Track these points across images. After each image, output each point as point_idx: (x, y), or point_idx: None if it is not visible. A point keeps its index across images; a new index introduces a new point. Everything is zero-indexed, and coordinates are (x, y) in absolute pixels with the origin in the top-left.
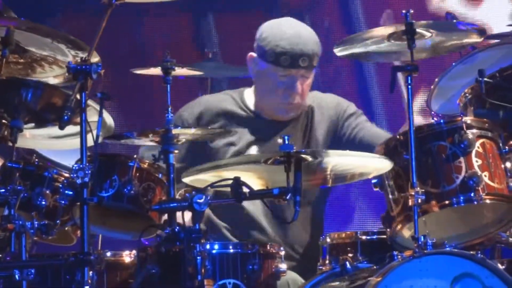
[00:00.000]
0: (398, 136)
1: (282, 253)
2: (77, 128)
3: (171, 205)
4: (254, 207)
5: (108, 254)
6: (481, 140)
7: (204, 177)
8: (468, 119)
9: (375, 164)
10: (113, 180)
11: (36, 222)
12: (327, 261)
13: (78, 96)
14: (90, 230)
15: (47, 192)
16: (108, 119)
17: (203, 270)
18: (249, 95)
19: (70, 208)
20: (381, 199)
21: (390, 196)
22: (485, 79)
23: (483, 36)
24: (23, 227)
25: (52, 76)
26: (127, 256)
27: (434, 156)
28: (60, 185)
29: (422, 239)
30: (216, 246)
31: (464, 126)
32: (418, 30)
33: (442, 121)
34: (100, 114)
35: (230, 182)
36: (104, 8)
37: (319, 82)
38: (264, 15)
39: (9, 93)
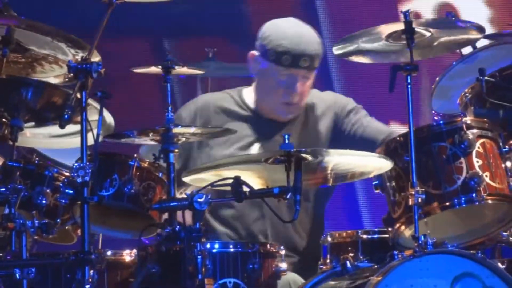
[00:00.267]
0: (398, 138)
1: (283, 252)
2: (77, 127)
3: (171, 204)
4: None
5: (109, 253)
6: (481, 140)
7: (204, 177)
8: (468, 119)
9: (376, 164)
10: (113, 179)
11: (36, 221)
12: (328, 260)
13: (78, 95)
14: (91, 229)
15: (48, 191)
16: (108, 117)
17: (203, 269)
18: (248, 94)
19: (70, 207)
20: (382, 198)
21: (392, 198)
22: (486, 78)
23: (482, 34)
24: (23, 226)
25: (53, 76)
26: (128, 255)
27: (435, 157)
28: (61, 184)
29: (423, 239)
30: (216, 245)
31: (464, 127)
32: (417, 29)
33: (442, 121)
34: (101, 113)
35: (230, 181)
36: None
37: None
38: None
39: (9, 92)
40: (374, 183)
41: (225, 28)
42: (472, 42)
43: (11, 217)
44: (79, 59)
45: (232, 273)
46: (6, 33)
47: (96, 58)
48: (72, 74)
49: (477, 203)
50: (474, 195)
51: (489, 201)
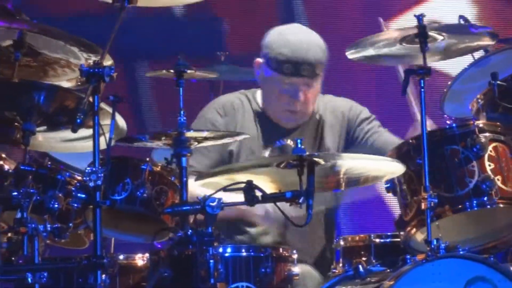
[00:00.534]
0: (410, 140)
1: (295, 256)
2: (90, 131)
3: (184, 208)
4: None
5: (121, 257)
6: (493, 144)
7: (217, 180)
8: (481, 122)
9: (388, 168)
10: (126, 183)
11: (48, 225)
12: (340, 264)
13: (90, 99)
14: (103, 233)
15: (60, 195)
16: (121, 121)
17: (215, 273)
18: (260, 96)
19: (82, 211)
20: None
21: (403, 201)
22: (499, 82)
23: (495, 39)
24: (35, 230)
25: (65, 80)
26: (140, 259)
27: (447, 161)
28: (73, 188)
29: (435, 243)
30: (228, 249)
31: (477, 130)
32: (430, 33)
33: (454, 125)
34: (113, 117)
35: (243, 185)
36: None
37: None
38: None
39: (21, 96)
40: (386, 186)
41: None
42: (483, 48)
43: (23, 221)
44: (92, 63)
45: (245, 277)
46: (18, 37)
47: (108, 62)
48: (84, 78)
49: (488, 206)
50: (486, 198)
51: (501, 205)
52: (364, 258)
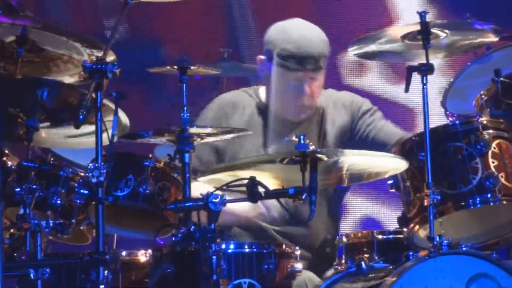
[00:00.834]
0: (413, 137)
1: (298, 252)
2: (93, 127)
3: (187, 204)
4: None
5: (123, 253)
6: (497, 141)
7: (220, 177)
8: (484, 119)
9: (392, 164)
10: (128, 179)
11: (51, 221)
12: (343, 261)
13: (93, 95)
14: (105, 230)
15: (63, 191)
16: (124, 118)
17: (218, 270)
18: (263, 93)
19: (85, 207)
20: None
21: (406, 198)
22: (502, 79)
23: (498, 36)
24: (38, 226)
25: (68, 75)
26: (142, 256)
27: (450, 157)
28: (76, 184)
29: (438, 239)
30: (231, 246)
31: (480, 127)
32: (433, 30)
33: (457, 122)
34: (116, 113)
35: (245, 181)
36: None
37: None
38: None
39: (25, 92)
40: (389, 182)
41: None
42: (487, 44)
43: (26, 217)
44: (94, 59)
45: (247, 273)
46: (21, 33)
47: (111, 57)
48: (87, 74)
49: (492, 203)
50: (489, 195)
51: (504, 202)
52: (366, 255)
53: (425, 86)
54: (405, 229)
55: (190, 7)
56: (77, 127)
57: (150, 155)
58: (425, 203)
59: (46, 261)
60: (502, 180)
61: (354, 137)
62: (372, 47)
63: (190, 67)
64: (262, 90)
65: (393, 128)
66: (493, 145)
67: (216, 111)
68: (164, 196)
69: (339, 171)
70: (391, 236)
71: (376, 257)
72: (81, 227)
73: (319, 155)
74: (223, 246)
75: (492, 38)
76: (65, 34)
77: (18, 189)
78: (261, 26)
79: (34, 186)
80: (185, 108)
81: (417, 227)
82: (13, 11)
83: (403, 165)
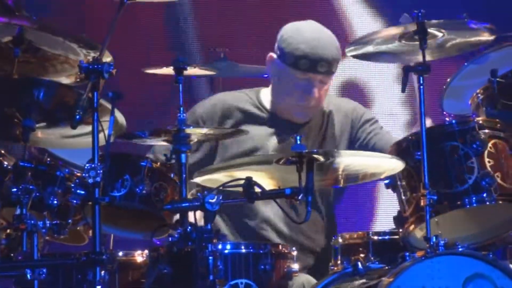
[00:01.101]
0: (410, 137)
1: (294, 253)
2: (89, 128)
3: (183, 204)
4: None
5: (120, 253)
6: (493, 141)
7: (216, 177)
8: (480, 119)
9: (388, 164)
10: (125, 179)
11: (48, 222)
12: (339, 262)
13: (90, 96)
14: (102, 230)
15: (59, 191)
16: (120, 118)
17: (215, 270)
18: (265, 95)
19: (82, 208)
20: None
21: (403, 197)
22: (498, 79)
23: (494, 35)
24: (35, 227)
25: (64, 76)
26: (139, 256)
27: (446, 157)
28: (72, 185)
29: (434, 240)
30: (228, 246)
31: (476, 127)
32: (429, 30)
33: (454, 121)
34: (112, 114)
35: (242, 182)
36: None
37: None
38: None
39: (21, 92)
40: (385, 182)
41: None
42: (483, 44)
43: (22, 217)
44: (91, 59)
45: (244, 274)
46: (17, 33)
47: (107, 58)
48: (83, 75)
49: (488, 203)
50: (485, 195)
51: (500, 202)
52: (362, 255)
53: (421, 86)
54: (401, 229)
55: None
56: (74, 127)
57: (147, 155)
58: (422, 203)
59: (42, 261)
60: (498, 179)
61: (354, 144)
62: (369, 48)
63: (186, 68)
64: (263, 92)
65: (393, 138)
66: (489, 144)
67: (207, 109)
68: (161, 196)
69: (335, 171)
70: (386, 237)
71: (372, 258)
72: (78, 228)
73: (315, 156)
74: (220, 247)
75: (487, 37)
76: (61, 35)
77: (15, 190)
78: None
79: (31, 187)
80: (181, 109)
81: (413, 226)
82: (9, 11)
83: (399, 165)
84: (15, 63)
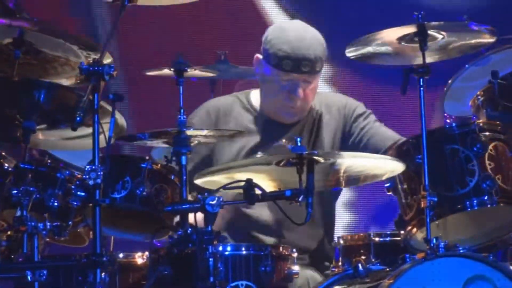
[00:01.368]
0: (410, 140)
1: (295, 255)
2: (90, 130)
3: (183, 206)
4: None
5: (121, 255)
6: (494, 143)
7: (216, 179)
8: (481, 121)
9: (388, 166)
10: (125, 181)
11: (48, 223)
12: (339, 263)
13: (90, 97)
14: (102, 232)
15: (60, 193)
16: (121, 120)
17: (215, 272)
18: (255, 96)
19: (82, 210)
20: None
21: (403, 200)
22: (499, 80)
23: (495, 37)
24: (35, 228)
25: (65, 78)
26: (139, 258)
27: (447, 160)
28: (73, 186)
29: (435, 242)
30: (228, 248)
31: (477, 129)
32: (430, 32)
33: (454, 124)
34: (113, 115)
35: (242, 184)
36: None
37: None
38: None
39: (22, 94)
40: (386, 185)
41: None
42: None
43: (23, 219)
44: (91, 61)
45: (244, 275)
46: (18, 35)
47: (108, 60)
48: (84, 76)
49: (489, 205)
50: (486, 197)
51: (501, 204)
52: (363, 257)
53: (421, 88)
54: (402, 232)
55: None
56: (74, 129)
57: (147, 157)
58: (422, 205)
59: (43, 263)
60: (499, 182)
61: (347, 140)
62: (369, 49)
63: (186, 69)
64: (253, 94)
65: (387, 131)
66: (490, 147)
67: (202, 117)
68: (161, 198)
69: (336, 173)
70: (387, 239)
71: (373, 259)
72: (78, 229)
73: (315, 157)
74: (220, 248)
75: (488, 39)
76: (62, 36)
77: (15, 191)
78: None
79: (31, 188)
80: (182, 110)
81: (414, 229)
82: (10, 12)
83: (400, 167)
84: (16, 65)
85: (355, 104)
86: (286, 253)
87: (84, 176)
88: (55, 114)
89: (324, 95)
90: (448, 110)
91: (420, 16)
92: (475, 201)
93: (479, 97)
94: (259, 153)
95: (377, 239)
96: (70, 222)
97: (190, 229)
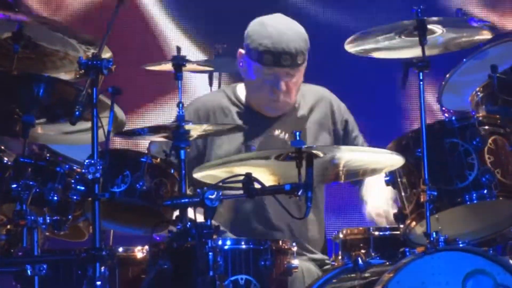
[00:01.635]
0: (410, 133)
1: (294, 249)
2: (89, 124)
3: (183, 200)
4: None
5: (120, 249)
6: (493, 137)
7: (215, 173)
8: (480, 115)
9: (388, 160)
10: (125, 175)
11: (48, 218)
12: (339, 257)
13: (89, 91)
14: (102, 226)
15: (59, 187)
16: (120, 114)
17: (215, 266)
18: (241, 89)
19: (82, 204)
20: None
21: (403, 194)
22: (498, 74)
23: (494, 33)
24: (35, 223)
25: (64, 72)
26: (139, 252)
27: (446, 153)
28: (72, 181)
29: (434, 236)
30: (228, 242)
31: (476, 123)
32: (429, 26)
33: (454, 118)
34: (112, 109)
35: (241, 178)
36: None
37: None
38: None
39: (21, 88)
40: (385, 179)
41: None
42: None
43: (22, 213)
44: (90, 56)
45: (244, 269)
46: (17, 29)
47: (107, 54)
48: (83, 71)
49: (488, 199)
50: (485, 191)
51: (501, 198)
52: (363, 251)
53: (421, 82)
54: (401, 226)
55: None
56: (73, 123)
57: (147, 151)
58: (422, 199)
59: (43, 257)
60: (498, 176)
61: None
62: (368, 44)
63: (185, 64)
64: (240, 87)
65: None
66: (489, 141)
67: (192, 116)
68: (161, 192)
69: (336, 167)
70: (387, 233)
71: (373, 254)
72: (78, 223)
73: (314, 152)
74: (220, 242)
75: (487, 35)
76: (61, 31)
77: (15, 185)
78: None
79: (31, 182)
80: (181, 105)
81: (413, 223)
82: (8, 7)
83: (400, 161)
84: (15, 59)
85: (342, 106)
86: (286, 247)
87: (83, 170)
88: (54, 108)
89: (307, 88)
90: (446, 104)
91: (419, 10)
92: (474, 195)
93: (478, 93)
94: (252, 147)
95: (376, 233)
96: (69, 216)
97: (189, 223)
